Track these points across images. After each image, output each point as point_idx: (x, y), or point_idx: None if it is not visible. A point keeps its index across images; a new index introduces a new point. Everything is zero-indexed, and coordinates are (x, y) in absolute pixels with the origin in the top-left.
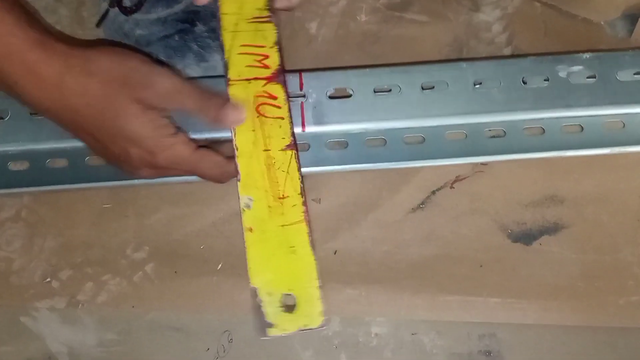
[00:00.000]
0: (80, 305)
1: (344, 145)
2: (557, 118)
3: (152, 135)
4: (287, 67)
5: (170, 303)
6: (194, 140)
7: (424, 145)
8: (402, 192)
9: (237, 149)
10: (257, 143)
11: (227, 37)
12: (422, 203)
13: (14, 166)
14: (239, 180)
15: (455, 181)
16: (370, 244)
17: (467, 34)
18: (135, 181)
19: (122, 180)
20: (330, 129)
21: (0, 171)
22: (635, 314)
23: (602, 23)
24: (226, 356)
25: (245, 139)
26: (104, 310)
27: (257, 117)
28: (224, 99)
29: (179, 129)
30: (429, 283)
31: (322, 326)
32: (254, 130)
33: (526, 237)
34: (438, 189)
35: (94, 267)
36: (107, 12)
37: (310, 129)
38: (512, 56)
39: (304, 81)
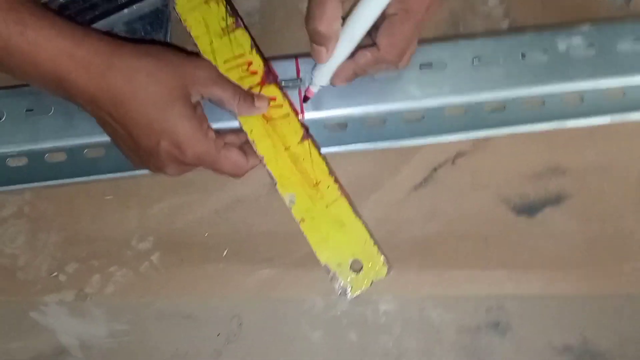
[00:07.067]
0: (88, 297)
1: (343, 126)
2: (558, 94)
3: (188, 126)
4: (283, 52)
5: (177, 291)
6: (218, 134)
7: (423, 122)
8: (403, 171)
9: (263, 158)
10: (276, 145)
11: (210, 59)
12: (424, 181)
13: (12, 162)
14: (276, 184)
15: (456, 157)
16: (374, 224)
17: (464, 8)
18: (136, 172)
19: (122, 171)
20: (328, 114)
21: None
22: None
23: None
24: (237, 341)
25: (265, 146)
26: (113, 301)
27: (267, 122)
28: (248, 90)
29: (209, 127)
30: (434, 259)
31: (388, 273)
32: (269, 136)
33: (529, 209)
34: (439, 166)
35: (100, 260)
36: None
37: (309, 115)
38: (510, 31)
39: (300, 67)
